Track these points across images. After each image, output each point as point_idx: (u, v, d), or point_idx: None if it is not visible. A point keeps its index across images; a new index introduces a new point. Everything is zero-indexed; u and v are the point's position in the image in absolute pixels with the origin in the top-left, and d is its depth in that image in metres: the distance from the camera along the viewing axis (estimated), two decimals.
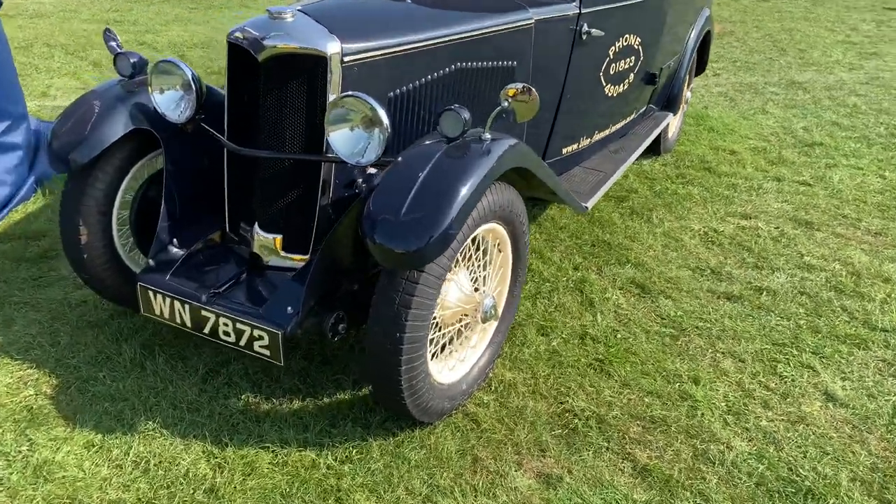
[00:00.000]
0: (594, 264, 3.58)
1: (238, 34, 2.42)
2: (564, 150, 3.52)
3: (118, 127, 2.59)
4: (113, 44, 2.85)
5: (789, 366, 2.89)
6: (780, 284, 3.47)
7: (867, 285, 3.48)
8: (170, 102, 2.62)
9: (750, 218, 4.17)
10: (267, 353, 2.35)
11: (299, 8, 2.44)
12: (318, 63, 2.34)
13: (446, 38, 2.67)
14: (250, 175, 2.56)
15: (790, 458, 2.42)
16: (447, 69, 2.74)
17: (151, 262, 2.59)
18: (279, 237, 2.56)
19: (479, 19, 2.80)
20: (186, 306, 2.45)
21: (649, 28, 3.75)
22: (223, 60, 2.54)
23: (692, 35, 4.62)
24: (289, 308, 2.33)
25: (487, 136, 2.24)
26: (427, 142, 2.28)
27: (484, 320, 2.51)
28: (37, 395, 2.58)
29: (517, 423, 2.53)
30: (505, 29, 2.86)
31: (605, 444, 2.46)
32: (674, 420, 2.57)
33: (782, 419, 2.61)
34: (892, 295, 3.39)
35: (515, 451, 2.41)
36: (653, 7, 3.74)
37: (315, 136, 2.42)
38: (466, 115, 2.18)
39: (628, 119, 4.09)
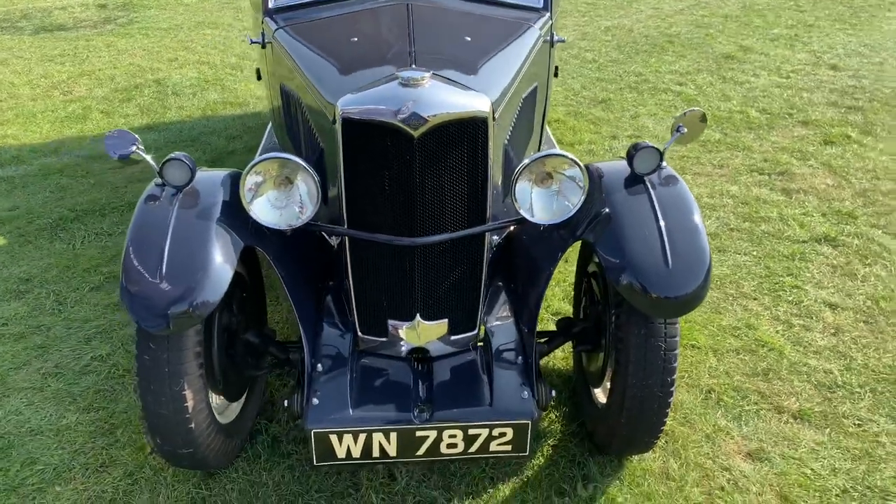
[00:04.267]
0: None
1: (364, 110, 2.05)
2: None
3: (223, 260, 2.02)
4: (134, 148, 2.15)
5: (786, 292, 3.50)
6: (711, 228, 4.09)
7: (763, 209, 4.28)
8: (275, 209, 2.11)
9: None
10: (508, 448, 2.15)
11: (422, 71, 2.12)
12: (478, 126, 2.11)
13: (521, 73, 2.58)
14: (395, 266, 2.21)
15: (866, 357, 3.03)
16: (519, 104, 2.65)
17: (315, 400, 2.11)
18: (445, 321, 2.29)
19: (521, 45, 2.73)
20: (393, 434, 2.09)
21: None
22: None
23: None
24: (523, 394, 2.15)
25: (664, 164, 2.29)
26: (616, 181, 2.23)
27: None
28: None
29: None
30: (538, 48, 2.84)
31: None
32: (806, 371, 2.99)
33: (828, 336, 3.20)
34: (784, 212, 4.24)
35: None
36: None
37: (480, 202, 2.20)
38: (658, 148, 2.20)
39: None
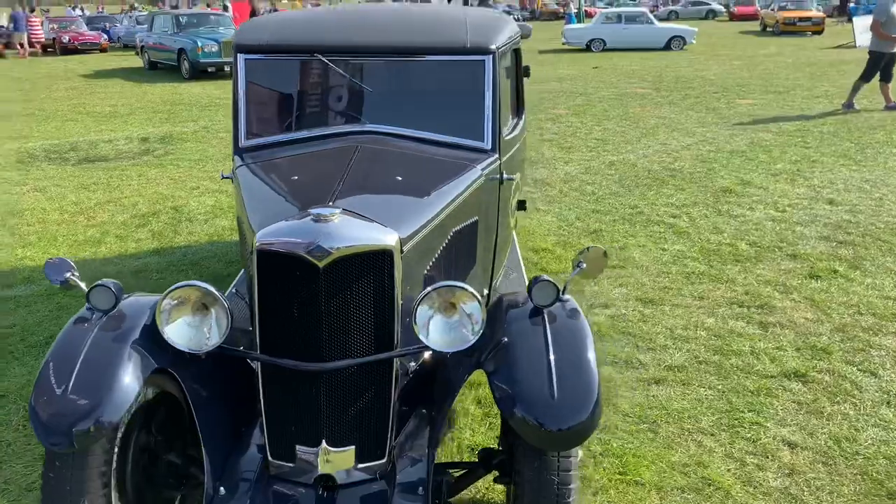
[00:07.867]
0: None
1: (276, 242, 2.22)
2: (496, 285, 3.74)
3: (130, 381, 2.15)
4: (69, 275, 2.35)
5: (745, 428, 3.44)
6: (679, 360, 4.07)
7: (735, 342, 4.26)
8: (188, 332, 2.25)
9: (608, 307, 4.79)
10: None
11: (336, 207, 2.30)
12: (383, 258, 2.26)
13: (448, 210, 2.75)
14: (302, 391, 2.30)
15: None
16: (448, 237, 2.80)
17: None
18: (352, 449, 2.33)
19: (457, 185, 2.92)
20: None
21: (521, 160, 4.21)
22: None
23: None
24: None
25: (567, 297, 2.38)
26: (518, 312, 2.32)
27: None
28: None
29: None
30: (473, 189, 3.02)
31: None
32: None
33: (782, 476, 3.10)
34: (757, 346, 4.21)
35: None
36: (522, 144, 4.21)
37: (387, 330, 2.30)
38: (556, 283, 2.30)
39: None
